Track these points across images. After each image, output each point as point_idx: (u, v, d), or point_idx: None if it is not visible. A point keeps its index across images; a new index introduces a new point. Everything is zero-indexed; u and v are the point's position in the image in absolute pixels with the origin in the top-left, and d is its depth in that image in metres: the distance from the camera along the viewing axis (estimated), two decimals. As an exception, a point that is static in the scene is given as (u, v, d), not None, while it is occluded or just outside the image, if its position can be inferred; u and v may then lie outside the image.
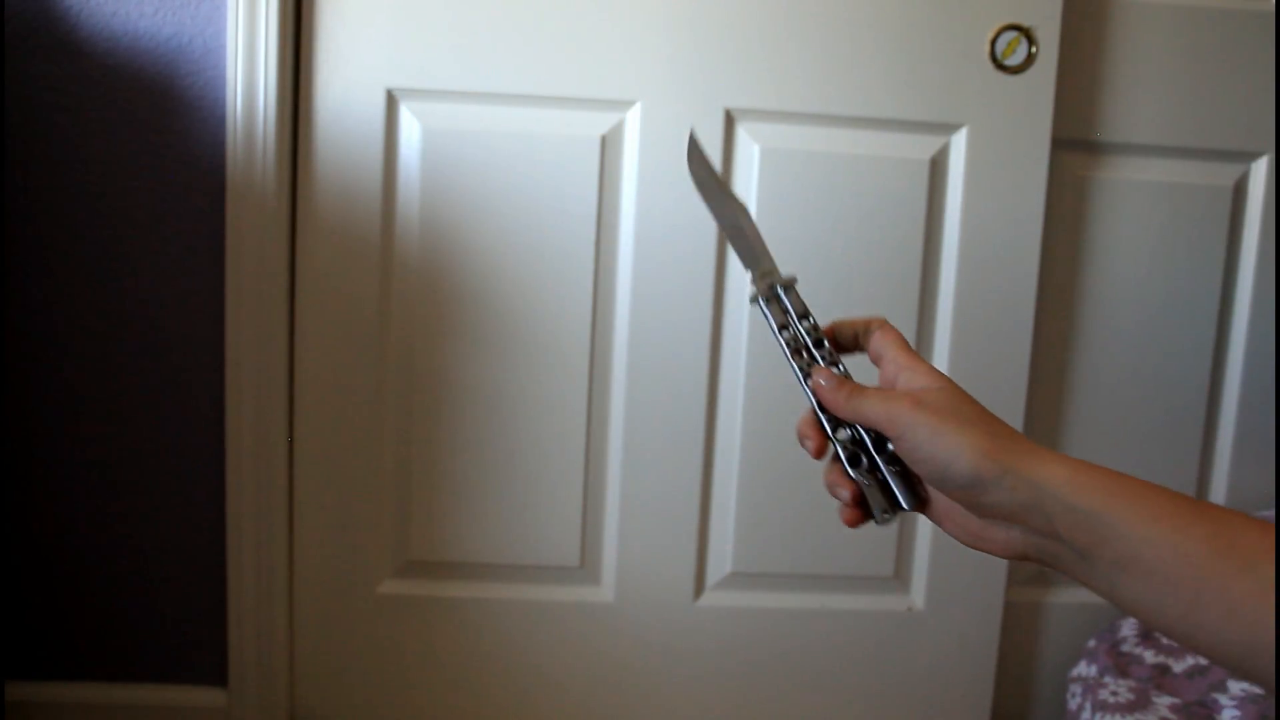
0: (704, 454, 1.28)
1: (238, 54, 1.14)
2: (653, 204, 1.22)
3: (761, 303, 0.58)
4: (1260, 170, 1.33)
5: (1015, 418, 1.30)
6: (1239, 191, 1.34)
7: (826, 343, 0.56)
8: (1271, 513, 1.28)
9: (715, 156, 1.22)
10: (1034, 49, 1.21)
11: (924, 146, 1.24)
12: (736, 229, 0.61)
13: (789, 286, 0.59)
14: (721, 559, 1.31)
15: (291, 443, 1.25)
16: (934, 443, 0.47)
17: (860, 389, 0.53)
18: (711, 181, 0.62)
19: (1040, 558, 0.47)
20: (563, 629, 1.31)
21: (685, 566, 1.30)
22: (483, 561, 1.29)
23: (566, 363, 1.25)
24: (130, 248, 1.19)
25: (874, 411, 0.51)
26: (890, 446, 0.53)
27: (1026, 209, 1.26)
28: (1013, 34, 1.21)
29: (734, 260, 1.25)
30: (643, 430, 1.27)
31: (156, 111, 1.17)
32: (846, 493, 0.53)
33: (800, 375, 0.56)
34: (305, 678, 1.30)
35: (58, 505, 1.23)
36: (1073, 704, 1.22)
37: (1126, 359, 1.35)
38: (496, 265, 1.23)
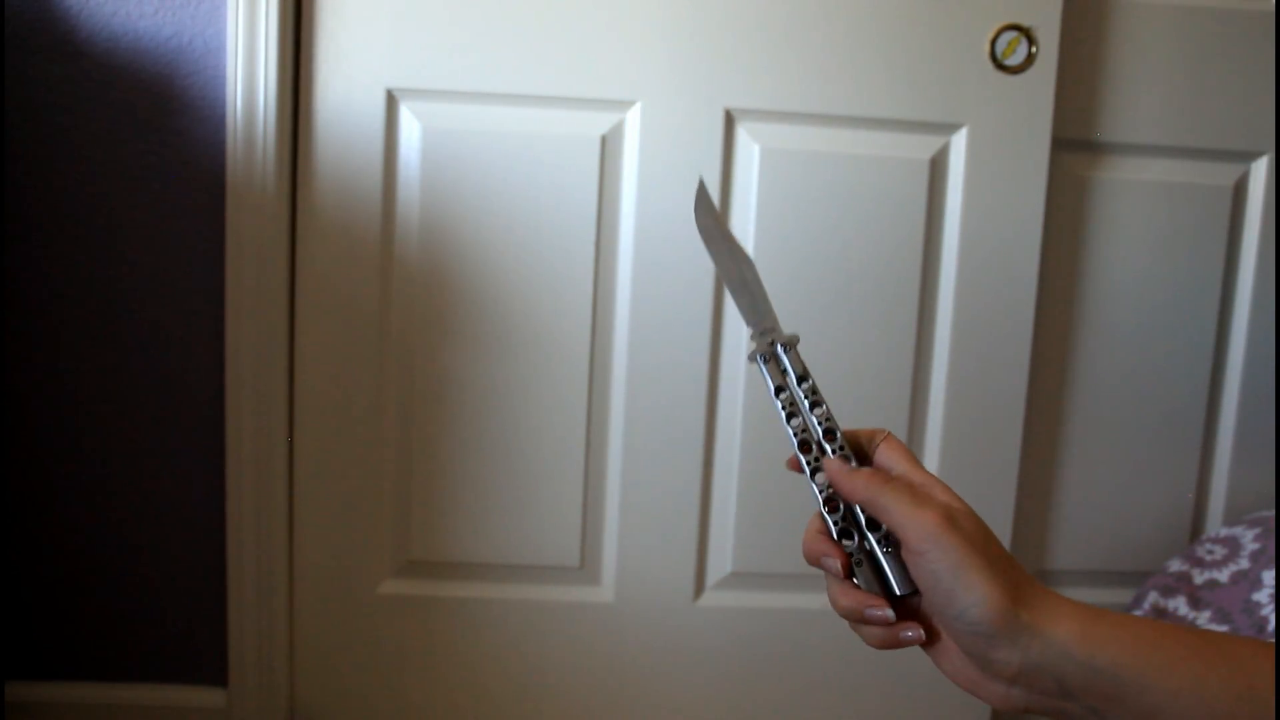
0: (704, 454, 1.28)
1: (238, 54, 1.14)
2: (653, 204, 1.22)
3: (760, 362, 0.56)
4: (1260, 170, 1.33)
5: (1015, 418, 1.30)
6: (1239, 191, 1.34)
7: (826, 406, 0.54)
8: (1271, 513, 1.28)
9: (715, 156, 1.22)
10: (1034, 49, 1.21)
11: (924, 146, 1.24)
12: (740, 282, 0.58)
13: (790, 346, 0.56)
14: (721, 559, 1.31)
15: (291, 443, 1.25)
16: (956, 578, 0.44)
17: (882, 474, 0.49)
18: (718, 231, 0.59)
19: (1042, 712, 0.45)
20: (563, 629, 1.31)
21: (685, 566, 1.30)
22: (483, 561, 1.29)
23: (566, 363, 1.25)
24: (130, 248, 1.19)
25: (899, 512, 0.47)
26: (884, 527, 0.50)
27: (1026, 209, 1.26)
28: (1013, 34, 1.21)
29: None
30: (643, 430, 1.27)
31: (156, 111, 1.17)
32: (836, 562, 0.50)
33: (795, 441, 0.54)
34: (305, 678, 1.30)
35: (58, 505, 1.23)
36: (1073, 704, 1.22)
37: (1126, 359, 1.35)
38: (496, 265, 1.23)
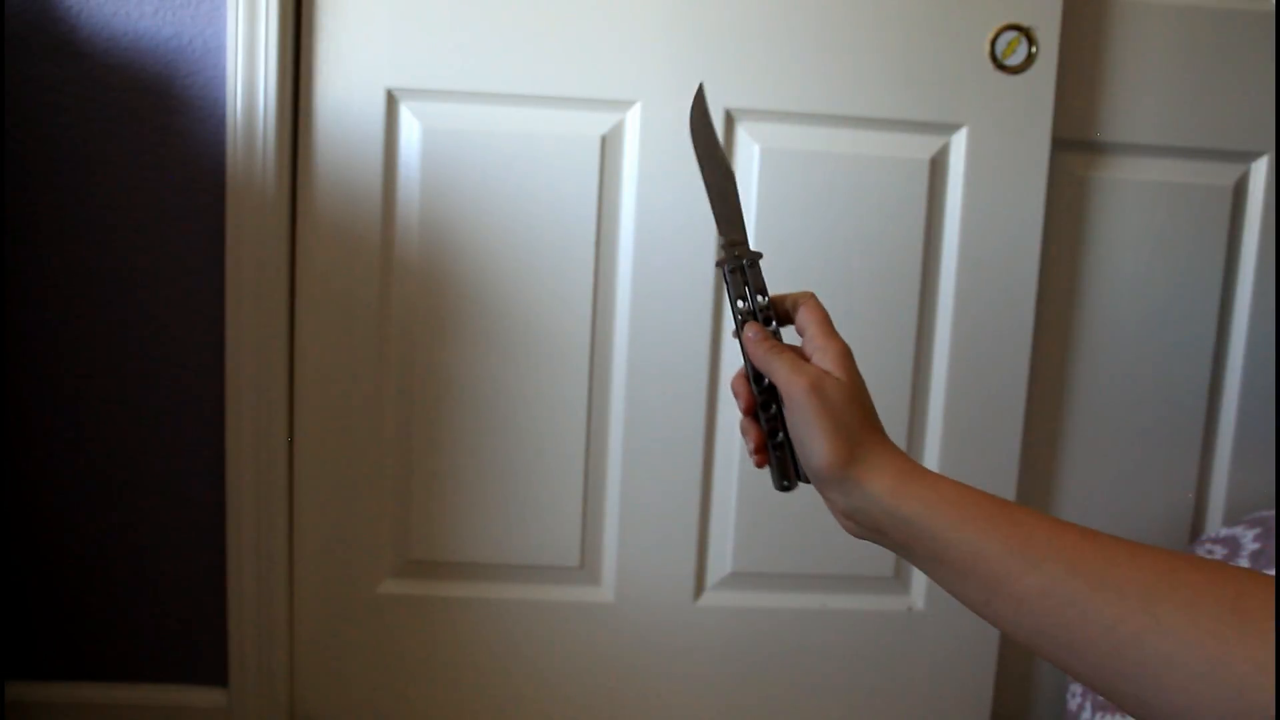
0: (704, 454, 1.28)
1: (238, 54, 1.14)
2: (653, 204, 1.22)
3: (725, 271, 0.62)
4: (1260, 170, 1.33)
5: (1015, 418, 1.30)
6: (1239, 191, 1.34)
7: (775, 323, 0.61)
8: (1271, 513, 1.28)
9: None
10: (1034, 49, 1.21)
11: (924, 146, 1.24)
12: (722, 193, 0.63)
13: (754, 263, 0.62)
14: (721, 559, 1.31)
15: (291, 443, 1.25)
16: (804, 430, 0.55)
17: (779, 346, 0.58)
18: (710, 140, 0.64)
19: (871, 540, 0.56)
20: (563, 629, 1.31)
21: (685, 566, 1.30)
22: (483, 561, 1.29)
23: (566, 363, 1.25)
24: (130, 248, 1.19)
25: (778, 374, 0.57)
26: None
27: (1026, 209, 1.26)
28: (1013, 34, 1.21)
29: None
30: (643, 430, 1.27)
31: (156, 111, 1.17)
32: (751, 441, 0.61)
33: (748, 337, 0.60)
34: (305, 678, 1.30)
35: (58, 505, 1.23)
36: (1073, 704, 1.22)
37: (1126, 359, 1.35)
38: (496, 265, 1.23)
